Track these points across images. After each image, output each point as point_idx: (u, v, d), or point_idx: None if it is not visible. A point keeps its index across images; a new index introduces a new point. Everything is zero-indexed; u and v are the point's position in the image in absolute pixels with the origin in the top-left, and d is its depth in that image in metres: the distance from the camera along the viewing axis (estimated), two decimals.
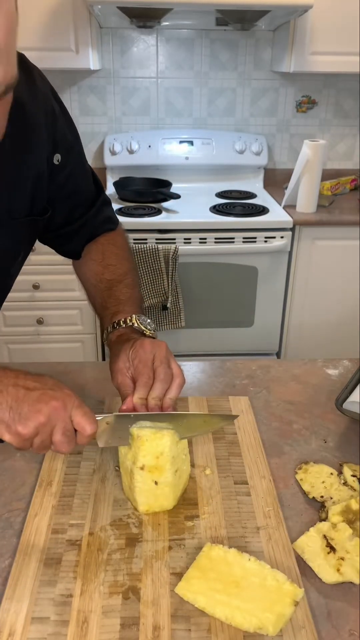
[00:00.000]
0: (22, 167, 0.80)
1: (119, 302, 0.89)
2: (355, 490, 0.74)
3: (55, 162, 0.85)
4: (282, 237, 2.25)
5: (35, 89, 0.81)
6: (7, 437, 0.61)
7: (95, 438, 0.68)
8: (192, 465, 0.80)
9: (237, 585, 0.60)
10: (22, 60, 0.80)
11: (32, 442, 0.63)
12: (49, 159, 0.84)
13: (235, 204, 2.41)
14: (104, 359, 2.49)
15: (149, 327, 0.86)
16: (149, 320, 0.87)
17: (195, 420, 0.77)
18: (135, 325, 0.85)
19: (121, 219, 2.39)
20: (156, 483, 0.69)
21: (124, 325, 0.85)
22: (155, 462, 0.68)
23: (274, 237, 2.25)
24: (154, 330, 0.87)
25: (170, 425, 0.71)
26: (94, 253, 0.98)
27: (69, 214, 0.94)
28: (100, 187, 0.99)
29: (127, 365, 0.77)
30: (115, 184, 2.50)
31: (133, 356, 0.77)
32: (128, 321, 0.85)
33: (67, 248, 1.00)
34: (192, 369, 1.06)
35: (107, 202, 1.02)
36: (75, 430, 0.65)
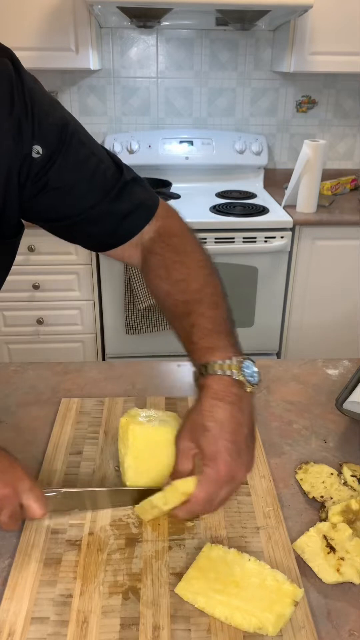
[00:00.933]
0: None
1: (205, 333, 0.71)
2: (355, 490, 0.74)
3: (35, 154, 0.72)
4: (282, 237, 2.25)
5: None
6: None
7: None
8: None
9: (237, 585, 0.60)
10: None
11: None
12: (24, 157, 0.72)
13: (235, 204, 2.41)
14: (104, 359, 2.49)
15: (251, 379, 0.67)
16: (255, 370, 0.68)
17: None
18: (235, 375, 0.66)
19: None
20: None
21: (220, 373, 0.66)
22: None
23: (274, 237, 2.24)
24: (257, 383, 0.68)
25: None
26: (157, 268, 0.79)
27: (75, 205, 0.79)
28: (120, 169, 0.82)
29: (193, 445, 0.65)
30: None
31: (205, 444, 0.63)
32: (226, 369, 0.66)
33: (90, 242, 0.86)
34: (192, 369, 1.05)
35: (134, 183, 0.83)
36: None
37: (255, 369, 0.68)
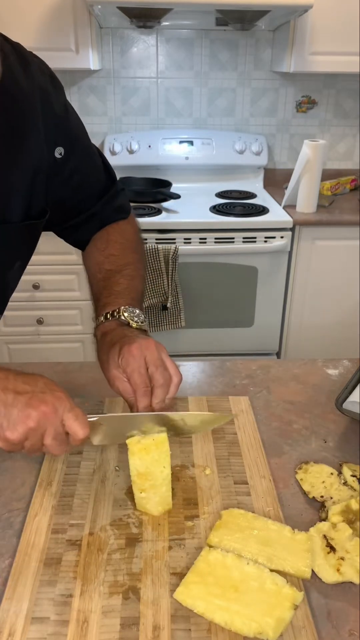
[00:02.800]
0: (13, 167, 0.76)
1: (111, 293, 0.85)
2: (355, 490, 0.74)
3: (58, 155, 0.82)
4: (282, 237, 2.25)
5: (31, 82, 0.77)
6: None
7: (90, 437, 0.68)
8: (192, 465, 0.80)
9: (236, 589, 0.60)
10: (18, 51, 0.77)
11: (22, 446, 0.62)
12: (49, 154, 0.81)
13: (235, 204, 2.41)
14: None
15: (136, 319, 0.81)
16: (138, 312, 0.82)
17: (192, 419, 0.76)
18: (123, 317, 0.80)
19: None
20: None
21: (110, 318, 0.81)
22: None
23: (274, 237, 2.25)
24: (142, 322, 0.82)
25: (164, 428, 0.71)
26: (99, 242, 0.94)
27: (76, 206, 0.92)
28: (113, 177, 0.96)
29: (120, 371, 0.74)
30: None
31: (124, 365, 0.73)
32: (115, 314, 0.81)
33: (75, 238, 0.98)
34: (192, 369, 1.06)
35: (120, 191, 0.98)
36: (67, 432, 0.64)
37: (139, 312, 0.82)
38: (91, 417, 0.67)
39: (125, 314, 0.81)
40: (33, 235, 0.87)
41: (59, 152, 0.82)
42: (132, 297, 0.85)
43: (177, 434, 0.74)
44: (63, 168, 0.84)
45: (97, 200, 0.92)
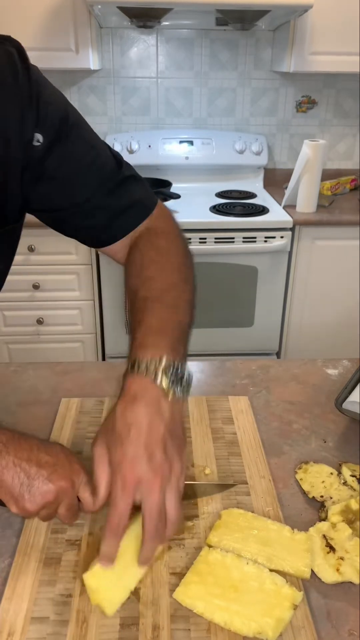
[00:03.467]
0: None
1: (148, 331, 0.66)
2: (355, 490, 0.74)
3: (36, 143, 0.71)
4: (282, 237, 2.25)
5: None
6: (13, 510, 0.61)
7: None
8: (192, 465, 0.80)
9: (236, 589, 0.60)
10: None
11: (37, 514, 0.63)
12: (25, 145, 0.71)
13: (235, 204, 2.41)
14: (104, 359, 2.49)
15: (177, 385, 0.61)
16: (183, 373, 0.62)
17: (201, 488, 0.74)
18: (158, 378, 0.61)
19: None
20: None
21: (143, 370, 0.61)
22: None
23: (274, 237, 2.25)
24: (184, 393, 0.62)
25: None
26: (133, 266, 0.77)
27: (70, 196, 0.78)
28: (120, 167, 0.82)
29: (106, 451, 0.60)
30: None
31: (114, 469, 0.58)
32: (151, 370, 0.61)
33: (81, 236, 0.84)
34: (192, 369, 1.05)
35: (133, 180, 0.83)
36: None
37: (187, 373, 0.62)
38: None
39: (164, 382, 0.60)
40: (12, 240, 0.82)
41: (36, 139, 0.71)
42: (176, 336, 0.67)
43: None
44: (47, 156, 0.73)
45: (97, 191, 0.78)
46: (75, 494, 0.63)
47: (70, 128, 0.76)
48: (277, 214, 2.31)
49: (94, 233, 0.83)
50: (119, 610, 0.58)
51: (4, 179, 0.72)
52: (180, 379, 0.62)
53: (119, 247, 0.83)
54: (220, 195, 2.57)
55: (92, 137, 0.81)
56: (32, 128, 0.71)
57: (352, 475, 0.76)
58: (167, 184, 2.51)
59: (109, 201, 0.80)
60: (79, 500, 0.63)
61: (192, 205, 2.39)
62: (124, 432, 0.59)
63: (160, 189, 2.45)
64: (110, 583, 0.58)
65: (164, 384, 0.61)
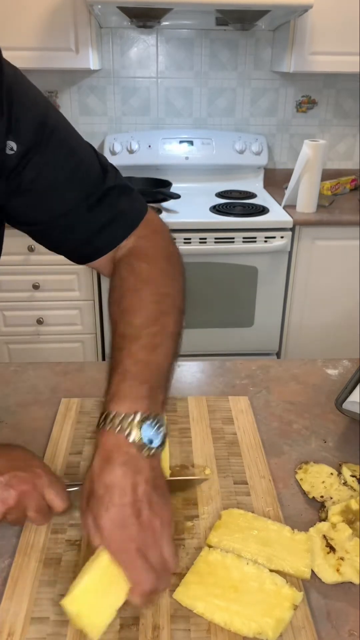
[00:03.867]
0: None
1: (124, 377, 0.62)
2: (355, 490, 0.74)
3: (9, 151, 0.66)
4: (282, 237, 2.25)
5: None
6: None
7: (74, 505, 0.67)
8: (192, 465, 0.80)
9: (236, 589, 0.60)
10: None
11: (5, 519, 0.63)
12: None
13: (235, 204, 2.41)
14: (104, 359, 2.49)
15: (151, 441, 0.59)
16: (155, 428, 0.59)
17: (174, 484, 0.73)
18: (131, 436, 0.58)
19: None
20: None
21: (114, 426, 0.58)
22: None
23: (274, 237, 2.24)
24: (157, 448, 0.59)
25: None
26: (115, 291, 0.73)
27: (49, 209, 0.73)
28: (105, 172, 0.76)
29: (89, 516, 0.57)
30: None
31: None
32: (125, 426, 0.58)
33: (64, 251, 0.80)
34: (192, 369, 1.06)
35: (118, 191, 0.76)
36: None
37: (161, 429, 0.59)
38: (70, 488, 0.67)
39: (137, 438, 0.58)
40: None
41: (9, 147, 0.66)
42: (154, 382, 0.62)
43: None
44: (22, 165, 0.69)
45: (81, 201, 0.73)
46: (40, 496, 0.63)
47: (50, 134, 0.70)
48: (277, 214, 2.31)
49: (75, 248, 0.78)
50: (118, 610, 0.58)
51: None
52: (157, 430, 0.59)
53: (104, 262, 0.79)
54: (220, 195, 2.57)
55: (75, 144, 0.74)
56: (4, 135, 0.66)
57: (352, 476, 0.76)
58: (167, 184, 2.51)
59: (89, 215, 0.74)
60: None
61: (192, 205, 2.39)
62: (106, 496, 0.56)
63: (160, 189, 2.45)
64: (93, 606, 0.54)
65: (137, 440, 0.58)
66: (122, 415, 0.58)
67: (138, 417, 0.59)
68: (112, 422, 0.58)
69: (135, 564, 0.54)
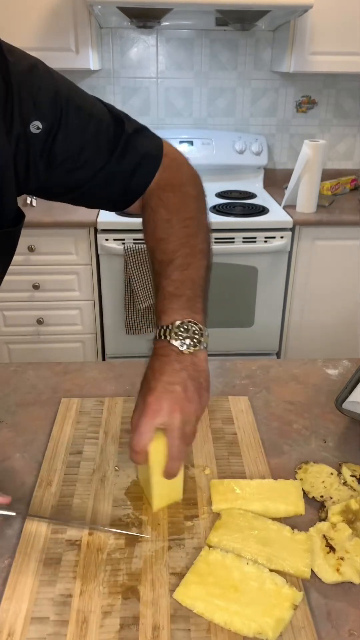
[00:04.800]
0: None
1: (164, 296, 0.72)
2: (355, 490, 0.74)
3: (35, 130, 0.69)
4: (282, 237, 2.25)
5: None
6: None
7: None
8: (192, 465, 0.80)
9: (236, 589, 0.60)
10: None
11: None
12: (18, 137, 0.69)
13: (235, 204, 2.41)
14: (104, 359, 2.49)
15: (187, 342, 0.68)
16: (192, 329, 0.69)
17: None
18: (173, 341, 0.68)
19: (121, 218, 2.36)
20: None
21: (161, 338, 0.69)
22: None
23: (274, 237, 2.25)
24: (195, 346, 0.68)
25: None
26: (147, 224, 0.80)
27: (85, 172, 0.77)
28: (120, 120, 0.79)
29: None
30: None
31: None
32: (167, 333, 0.69)
33: (103, 204, 0.85)
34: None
35: (136, 134, 0.81)
36: None
37: (195, 332, 0.69)
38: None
39: (176, 342, 0.68)
40: (9, 243, 0.80)
41: (35, 127, 0.69)
42: (188, 296, 0.73)
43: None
44: (51, 139, 0.72)
45: (109, 155, 0.77)
46: None
47: (66, 104, 0.73)
48: (277, 214, 2.31)
49: (114, 199, 0.83)
50: (118, 610, 0.59)
51: (7, 179, 0.70)
52: (192, 333, 0.69)
53: (137, 203, 0.84)
54: (220, 195, 2.57)
55: (89, 104, 0.78)
56: (25, 119, 0.69)
57: (352, 476, 0.76)
58: None
59: (120, 166, 0.79)
60: None
61: None
62: (152, 377, 0.66)
63: None
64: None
65: (177, 343, 0.68)
66: (164, 327, 0.69)
67: (175, 325, 0.69)
68: (158, 334, 0.69)
69: (175, 440, 0.65)
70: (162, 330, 0.69)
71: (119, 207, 0.85)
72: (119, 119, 0.79)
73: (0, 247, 0.78)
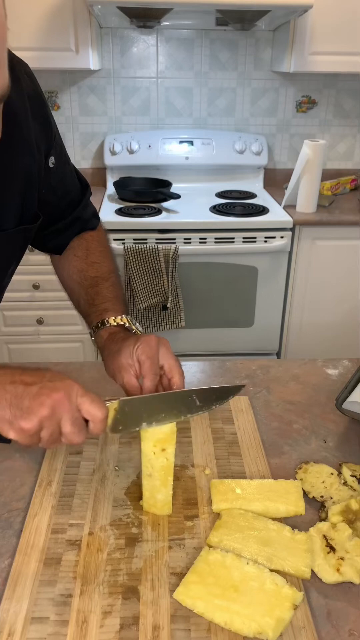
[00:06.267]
0: (8, 173, 0.76)
1: (106, 299, 0.88)
2: (355, 490, 0.74)
3: (50, 165, 0.84)
4: (282, 237, 2.25)
5: (21, 91, 0.77)
6: (12, 435, 0.59)
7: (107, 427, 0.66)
8: (192, 465, 0.80)
9: (236, 589, 0.60)
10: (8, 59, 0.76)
11: (39, 437, 0.61)
12: (42, 163, 0.82)
13: (235, 204, 2.41)
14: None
15: (138, 328, 0.86)
16: (137, 323, 0.88)
17: (206, 394, 0.73)
18: (127, 325, 0.85)
19: (121, 218, 2.38)
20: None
21: (114, 324, 0.84)
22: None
23: (274, 237, 2.24)
24: (142, 332, 0.86)
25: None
26: (78, 249, 0.96)
27: (61, 212, 0.93)
28: (84, 182, 0.98)
29: (130, 362, 0.74)
30: (115, 184, 2.50)
31: (139, 352, 0.74)
32: (119, 320, 0.85)
33: (54, 243, 0.98)
34: (192, 369, 1.06)
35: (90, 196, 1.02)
36: (85, 420, 0.63)
37: (139, 325, 0.87)
38: (106, 401, 0.65)
39: (130, 322, 0.86)
40: (26, 239, 0.88)
41: (51, 162, 0.83)
42: (125, 304, 0.90)
43: (191, 412, 0.72)
44: (53, 176, 0.85)
45: (76, 205, 0.95)
46: (74, 406, 0.61)
47: (60, 146, 0.88)
48: (277, 214, 2.31)
49: (63, 240, 0.97)
50: (118, 610, 0.59)
51: (29, 184, 0.80)
52: (134, 322, 0.87)
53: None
54: (220, 195, 2.57)
55: (67, 154, 0.93)
56: (47, 150, 0.83)
57: (352, 475, 0.76)
58: (167, 184, 2.51)
59: (81, 216, 0.96)
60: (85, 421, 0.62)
61: (192, 205, 2.38)
62: (135, 343, 0.76)
63: (160, 189, 2.45)
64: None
65: (132, 326, 0.86)
66: (114, 318, 0.85)
67: (124, 317, 0.86)
68: (110, 322, 0.85)
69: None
70: (112, 320, 0.85)
71: (57, 249, 1.00)
72: (83, 180, 0.98)
73: (17, 242, 0.84)
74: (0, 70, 0.51)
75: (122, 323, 0.85)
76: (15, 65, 0.77)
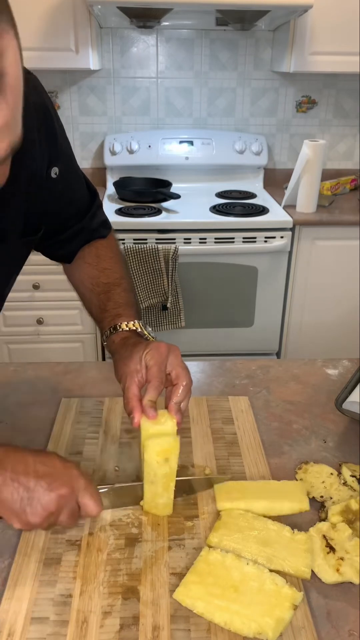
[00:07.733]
0: (13, 185, 0.75)
1: (118, 305, 0.89)
2: (354, 490, 0.74)
3: (53, 175, 0.83)
4: (282, 237, 2.25)
5: (27, 102, 0.78)
6: (16, 525, 0.62)
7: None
8: (192, 465, 0.80)
9: (236, 589, 0.60)
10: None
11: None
12: (44, 174, 0.82)
13: (235, 204, 2.41)
14: (104, 359, 2.49)
15: (151, 333, 0.86)
16: (149, 328, 0.88)
17: (197, 482, 0.76)
18: (139, 330, 0.85)
19: (121, 218, 2.38)
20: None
21: (126, 329, 0.85)
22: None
23: (274, 237, 2.24)
24: (154, 337, 0.86)
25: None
26: (89, 257, 0.96)
27: (66, 222, 0.93)
28: (94, 191, 0.98)
29: (138, 368, 0.75)
30: (115, 184, 2.50)
31: (148, 358, 0.75)
32: (131, 325, 0.85)
33: (61, 252, 0.99)
34: (192, 369, 1.05)
35: (101, 205, 1.01)
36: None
37: (151, 329, 0.88)
38: (102, 489, 0.69)
39: (142, 327, 0.86)
40: (28, 250, 0.89)
41: (54, 172, 0.83)
42: (136, 310, 0.90)
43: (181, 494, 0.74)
44: (57, 186, 0.85)
45: (84, 215, 0.95)
46: (75, 500, 0.63)
47: (68, 156, 0.87)
48: (277, 214, 2.31)
49: (70, 249, 0.97)
50: (118, 610, 0.59)
51: (31, 197, 0.80)
52: (147, 328, 0.87)
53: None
54: (220, 195, 2.57)
55: (76, 163, 0.92)
56: (51, 162, 0.81)
57: (352, 476, 0.76)
58: (167, 184, 2.51)
59: (89, 225, 0.96)
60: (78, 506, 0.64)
61: (192, 205, 2.38)
62: (145, 349, 0.76)
63: (160, 189, 2.45)
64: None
65: (144, 332, 0.85)
66: (127, 323, 0.86)
67: (137, 322, 0.86)
68: (122, 327, 0.85)
69: None
70: (125, 325, 0.86)
71: (64, 257, 1.00)
72: (92, 189, 0.97)
73: (19, 254, 0.87)
74: (16, 128, 0.52)
75: (134, 328, 0.85)
76: (26, 77, 0.77)
